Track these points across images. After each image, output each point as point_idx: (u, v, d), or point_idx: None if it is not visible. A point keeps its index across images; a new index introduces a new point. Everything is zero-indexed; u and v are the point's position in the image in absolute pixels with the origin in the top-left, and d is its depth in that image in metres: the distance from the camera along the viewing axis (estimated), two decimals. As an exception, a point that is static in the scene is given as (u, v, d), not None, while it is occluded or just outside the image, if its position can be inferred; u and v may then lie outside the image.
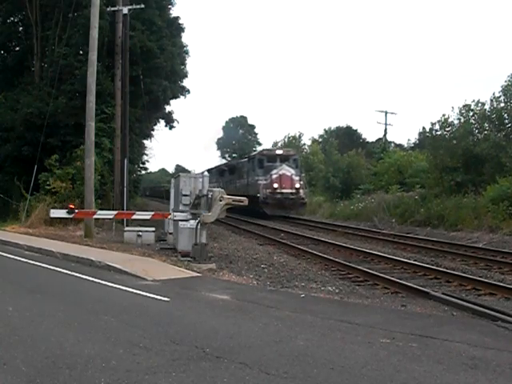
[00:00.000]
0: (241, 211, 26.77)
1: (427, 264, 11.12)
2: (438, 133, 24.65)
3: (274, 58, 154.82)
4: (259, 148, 69.73)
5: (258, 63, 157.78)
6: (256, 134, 79.12)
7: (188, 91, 26.92)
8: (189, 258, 10.63)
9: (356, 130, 59.09)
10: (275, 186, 25.05)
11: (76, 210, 12.19)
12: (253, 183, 27.16)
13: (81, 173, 17.24)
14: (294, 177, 25.68)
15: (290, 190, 25.25)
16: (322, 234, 18.26)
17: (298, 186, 25.46)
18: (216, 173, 39.42)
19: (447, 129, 24.18)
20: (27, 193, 18.40)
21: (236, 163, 34.76)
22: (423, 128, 39.58)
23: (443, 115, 24.33)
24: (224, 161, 62.91)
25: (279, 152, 28.32)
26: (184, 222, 11.43)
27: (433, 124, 25.09)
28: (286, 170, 25.73)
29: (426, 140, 28.35)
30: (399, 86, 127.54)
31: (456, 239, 16.29)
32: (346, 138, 54.38)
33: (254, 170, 27.57)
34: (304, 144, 57.77)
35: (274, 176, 25.45)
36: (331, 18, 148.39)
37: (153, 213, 13.35)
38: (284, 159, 26.80)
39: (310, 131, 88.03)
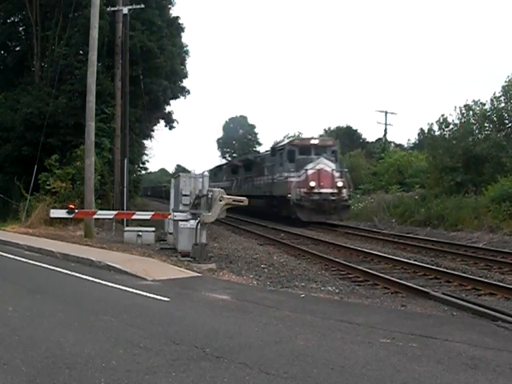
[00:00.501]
0: (262, 216, 24.48)
1: (427, 264, 11.11)
2: (437, 133, 24.70)
3: (274, 58, 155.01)
4: (259, 148, 69.35)
5: (258, 63, 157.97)
6: (256, 133, 79.27)
7: (188, 91, 26.95)
8: (189, 258, 10.63)
9: (356, 130, 59.08)
10: (312, 184, 20.33)
11: (76, 210, 12.18)
12: (280, 181, 22.29)
13: (81, 173, 17.24)
14: (335, 173, 20.98)
15: (330, 190, 20.52)
16: (321, 234, 18.25)
17: (340, 184, 20.67)
18: (227, 170, 35.54)
19: (446, 129, 24.22)
20: (27, 193, 18.40)
21: (254, 157, 29.44)
22: (421, 129, 39.69)
23: (442, 115, 24.42)
24: (224, 161, 62.60)
25: (314, 142, 22.65)
26: (184, 222, 11.43)
27: (431, 124, 25.17)
28: (325, 165, 20.96)
29: (425, 140, 28.38)
30: (399, 86, 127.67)
31: (456, 239, 16.28)
32: (346, 137, 54.28)
33: (281, 165, 22.52)
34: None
35: (311, 172, 20.61)
36: (331, 18, 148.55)
37: (153, 213, 13.34)
38: (320, 151, 21.88)
39: (310, 131, 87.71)
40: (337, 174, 21.06)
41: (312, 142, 22.64)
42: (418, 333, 5.54)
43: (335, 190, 20.57)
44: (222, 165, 41.03)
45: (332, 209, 20.58)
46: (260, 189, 25.51)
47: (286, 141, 23.96)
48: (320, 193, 20.45)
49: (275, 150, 24.50)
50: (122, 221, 17.00)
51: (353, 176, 36.50)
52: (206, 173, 15.73)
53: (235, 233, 19.16)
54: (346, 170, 22.86)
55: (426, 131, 26.29)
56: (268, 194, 23.77)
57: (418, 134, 48.35)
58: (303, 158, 21.50)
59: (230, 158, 67.93)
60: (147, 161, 34.57)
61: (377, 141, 51.69)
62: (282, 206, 22.15)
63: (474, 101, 23.50)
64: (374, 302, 7.50)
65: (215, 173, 39.65)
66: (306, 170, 20.74)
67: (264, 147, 61.75)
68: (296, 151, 22.00)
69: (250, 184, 28.02)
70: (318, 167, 20.78)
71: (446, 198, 20.92)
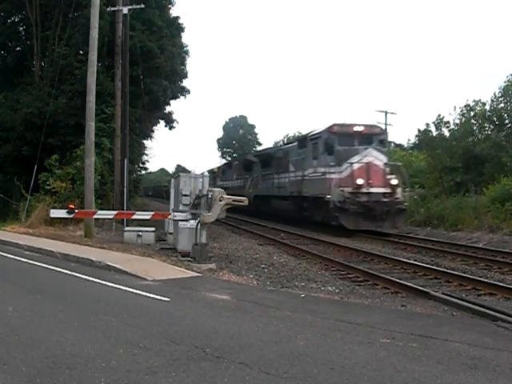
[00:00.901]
0: (288, 221, 21.17)
1: (427, 264, 11.12)
2: (435, 133, 24.79)
3: (274, 58, 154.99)
4: (259, 148, 68.96)
5: (258, 63, 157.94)
6: (256, 133, 79.34)
7: (188, 91, 26.97)
8: (189, 258, 10.63)
9: (356, 130, 58.78)
10: (359, 181, 16.56)
11: (76, 210, 12.20)
12: (314, 178, 18.49)
13: (81, 173, 17.25)
14: (387, 168, 17.29)
15: (382, 189, 16.74)
16: (322, 234, 18.23)
17: (394, 181, 16.90)
18: (239, 167, 31.76)
19: (446, 129, 24.33)
20: (27, 193, 18.40)
21: (274, 151, 25.52)
22: (418, 130, 39.84)
23: (438, 115, 24.55)
24: (224, 161, 62.38)
25: (359, 128, 18.06)
26: (184, 222, 11.44)
27: (428, 125, 25.27)
28: (374, 157, 17.01)
29: (424, 140, 28.46)
30: (399, 86, 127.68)
31: (456, 239, 16.28)
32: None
33: (316, 158, 18.66)
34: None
35: (357, 166, 16.71)
36: (331, 18, 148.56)
37: (153, 213, 13.35)
38: (366, 140, 17.80)
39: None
40: (389, 170, 17.33)
41: (356, 128, 18.05)
42: (418, 333, 5.54)
43: (388, 190, 16.74)
44: (232, 161, 37.83)
45: (384, 213, 16.52)
46: (284, 188, 21.86)
47: (322, 128, 18.83)
48: (369, 193, 16.55)
49: (306, 139, 20.09)
50: (122, 221, 17.01)
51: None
52: (206, 173, 15.75)
53: (235, 233, 19.16)
54: (400, 163, 18.91)
55: (423, 131, 26.39)
56: (296, 195, 20.12)
57: (416, 135, 48.36)
58: (345, 148, 17.36)
59: (229, 158, 67.76)
60: (147, 161, 34.61)
61: (377, 141, 51.46)
62: (317, 209, 18.37)
63: (474, 101, 23.60)
64: (373, 302, 7.50)
65: (223, 171, 37.21)
66: (351, 163, 16.73)
67: (264, 147, 61.04)
68: (336, 140, 17.75)
69: (268, 182, 24.40)
70: (365, 160, 16.78)
71: (446, 198, 20.93)
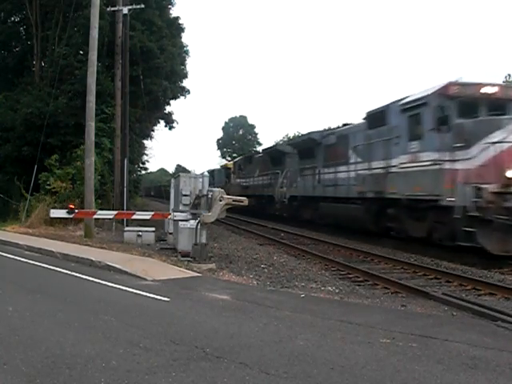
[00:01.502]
0: (352, 233, 16.16)
1: (427, 264, 11.12)
2: None
3: (274, 58, 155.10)
4: (259, 148, 68.44)
5: (258, 63, 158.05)
6: (256, 133, 79.45)
7: (188, 91, 26.99)
8: (189, 258, 10.63)
9: (357, 130, 58.41)
10: (510, 174, 10.17)
11: (76, 210, 12.19)
12: (417, 170, 12.11)
13: (81, 173, 17.25)
14: None
15: None
16: (322, 234, 18.23)
17: None
18: (263, 160, 26.17)
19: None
20: (27, 193, 18.41)
21: (321, 137, 18.84)
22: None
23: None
24: (224, 161, 61.90)
25: (489, 90, 11.46)
26: (184, 222, 11.44)
27: None
28: None
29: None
30: (398, 86, 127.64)
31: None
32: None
33: (417, 138, 12.24)
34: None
35: (503, 148, 10.20)
36: (331, 18, 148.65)
37: (153, 213, 13.34)
38: (500, 108, 11.30)
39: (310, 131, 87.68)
40: None
41: (485, 90, 11.44)
42: (418, 333, 5.54)
43: None
44: (254, 154, 32.13)
45: None
46: (344, 186, 16.19)
47: (426, 90, 12.34)
48: None
49: (387, 112, 13.68)
50: (122, 221, 17.01)
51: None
52: (206, 173, 15.75)
53: (235, 233, 19.15)
54: None
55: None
56: (372, 196, 14.44)
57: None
58: (474, 121, 10.96)
59: (229, 158, 67.57)
60: (147, 161, 34.67)
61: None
62: (419, 219, 12.52)
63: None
64: (373, 302, 7.50)
65: (241, 166, 31.78)
66: (493, 143, 10.28)
67: (264, 147, 59.85)
68: (455, 108, 11.27)
69: (312, 179, 18.89)
70: None
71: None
